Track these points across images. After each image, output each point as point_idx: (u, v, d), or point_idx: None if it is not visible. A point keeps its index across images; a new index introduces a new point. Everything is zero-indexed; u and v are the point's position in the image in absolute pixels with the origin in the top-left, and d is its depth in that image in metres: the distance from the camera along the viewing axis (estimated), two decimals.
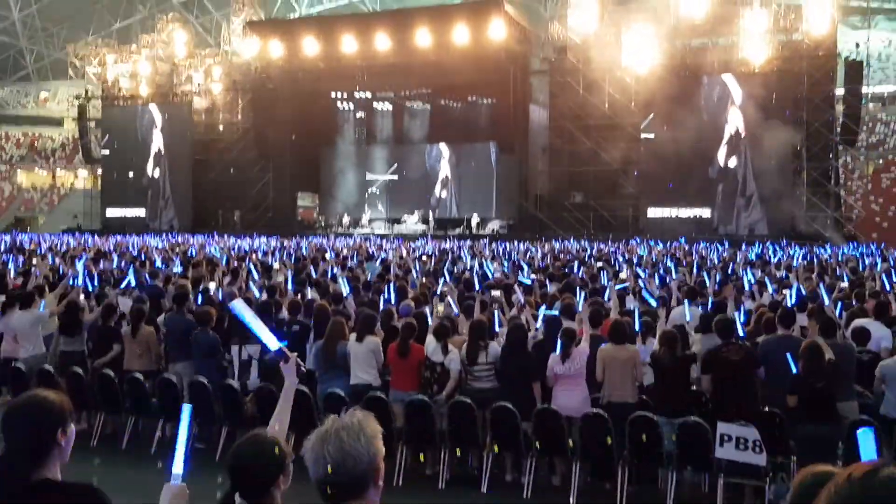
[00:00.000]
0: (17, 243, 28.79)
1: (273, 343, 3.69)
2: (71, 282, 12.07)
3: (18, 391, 9.41)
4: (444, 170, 46.60)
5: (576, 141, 39.24)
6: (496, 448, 8.00)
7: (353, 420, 2.52)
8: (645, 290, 12.06)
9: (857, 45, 39.00)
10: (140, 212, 49.74)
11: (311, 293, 11.98)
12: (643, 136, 37.97)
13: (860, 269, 18.01)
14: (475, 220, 42.97)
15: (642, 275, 15.62)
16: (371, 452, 2.48)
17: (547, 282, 14.12)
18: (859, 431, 1.82)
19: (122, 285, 12.82)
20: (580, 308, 9.64)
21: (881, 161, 50.37)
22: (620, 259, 22.20)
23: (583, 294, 11.08)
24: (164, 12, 57.07)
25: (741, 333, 8.68)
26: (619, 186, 39.21)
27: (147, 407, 9.32)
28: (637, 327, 9.20)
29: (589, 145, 38.91)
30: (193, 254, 23.36)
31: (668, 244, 30.03)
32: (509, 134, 42.15)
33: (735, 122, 37.12)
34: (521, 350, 8.45)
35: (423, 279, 14.55)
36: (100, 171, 53.60)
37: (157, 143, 49.58)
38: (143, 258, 20.99)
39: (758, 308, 10.38)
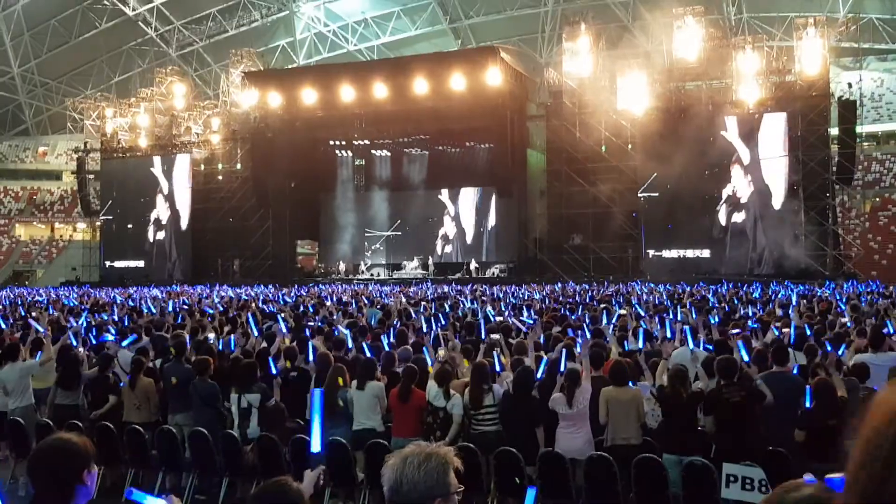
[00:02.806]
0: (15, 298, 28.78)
1: (317, 444, 3.71)
2: (71, 340, 11.89)
3: (20, 445, 9.32)
4: (447, 226, 46.67)
5: (573, 183, 39.40)
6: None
7: (423, 451, 2.62)
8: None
9: (850, 85, 39.32)
10: (139, 263, 49.76)
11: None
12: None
13: (861, 306, 17.94)
14: (473, 264, 43.00)
15: (643, 313, 15.59)
16: (427, 484, 2.54)
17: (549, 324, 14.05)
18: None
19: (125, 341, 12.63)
20: (579, 349, 9.58)
21: (878, 199, 50.58)
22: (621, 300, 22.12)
23: (580, 335, 11.03)
24: (162, 65, 57.64)
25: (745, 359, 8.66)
26: (617, 228, 39.25)
27: (147, 458, 9.21)
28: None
29: (586, 188, 39.08)
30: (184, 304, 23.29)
31: (668, 286, 29.97)
32: (507, 178, 42.34)
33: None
34: (527, 394, 8.37)
35: (423, 325, 14.48)
36: (98, 224, 53.73)
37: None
38: (142, 309, 20.93)
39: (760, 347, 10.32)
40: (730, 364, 8.08)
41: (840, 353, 9.89)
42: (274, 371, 9.70)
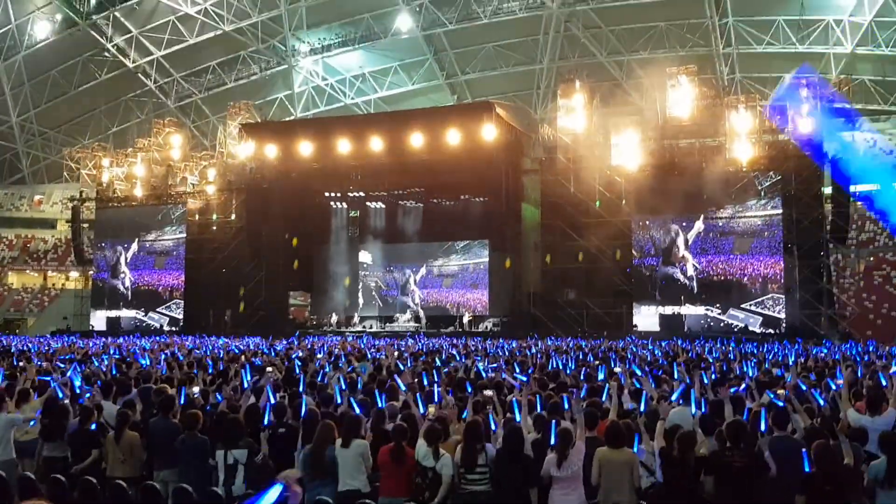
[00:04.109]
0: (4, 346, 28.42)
1: None
2: (58, 392, 11.63)
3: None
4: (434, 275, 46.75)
5: (567, 238, 39.43)
6: None
7: None
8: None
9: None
10: (131, 313, 49.47)
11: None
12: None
13: (857, 367, 17.78)
14: (467, 317, 42.84)
15: (638, 373, 15.39)
16: None
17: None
18: None
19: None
20: (567, 406, 9.38)
21: (872, 259, 50.65)
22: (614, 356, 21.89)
23: (574, 393, 10.85)
24: (161, 116, 57.97)
25: (762, 429, 8.52)
26: (611, 283, 39.17)
27: None
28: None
29: (581, 242, 39.10)
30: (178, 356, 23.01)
31: (662, 343, 29.78)
32: (502, 232, 42.40)
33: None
34: (519, 455, 8.17)
35: (414, 380, 14.25)
36: (91, 273, 53.50)
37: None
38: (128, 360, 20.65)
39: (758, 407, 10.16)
40: (739, 428, 7.95)
41: (821, 403, 9.73)
42: (266, 422, 9.50)
